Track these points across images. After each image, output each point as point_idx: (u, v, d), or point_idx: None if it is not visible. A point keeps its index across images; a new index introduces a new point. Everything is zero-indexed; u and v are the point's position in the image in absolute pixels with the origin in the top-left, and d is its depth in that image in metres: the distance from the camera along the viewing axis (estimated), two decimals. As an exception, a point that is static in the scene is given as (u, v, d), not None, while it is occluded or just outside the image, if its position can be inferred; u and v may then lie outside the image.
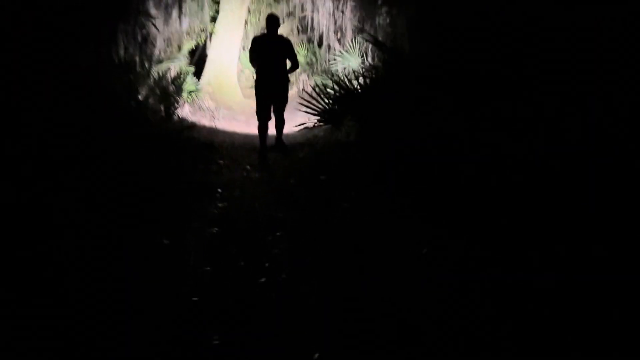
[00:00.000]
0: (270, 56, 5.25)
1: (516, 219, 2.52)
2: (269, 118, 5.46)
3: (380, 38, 7.23)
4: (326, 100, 5.32)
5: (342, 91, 5.38)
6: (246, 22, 12.05)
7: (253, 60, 5.40)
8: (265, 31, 5.49)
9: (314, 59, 11.85)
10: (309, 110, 5.29)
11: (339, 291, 2.30)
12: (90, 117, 4.43)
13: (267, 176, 4.89)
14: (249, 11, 11.34)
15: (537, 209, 2.50)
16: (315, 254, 2.73)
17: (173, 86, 7.58)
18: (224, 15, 10.49)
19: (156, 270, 2.48)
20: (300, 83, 11.91)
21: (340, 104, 5.79)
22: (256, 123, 5.58)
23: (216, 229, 3.16)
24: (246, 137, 7.27)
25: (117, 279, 2.31)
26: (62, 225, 2.67)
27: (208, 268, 2.56)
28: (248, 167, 5.13)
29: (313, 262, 2.63)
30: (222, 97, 10.30)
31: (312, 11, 9.50)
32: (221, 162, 5.18)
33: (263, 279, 2.44)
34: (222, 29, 10.49)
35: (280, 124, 5.57)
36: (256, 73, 5.37)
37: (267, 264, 2.62)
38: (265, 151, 5.48)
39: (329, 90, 5.49)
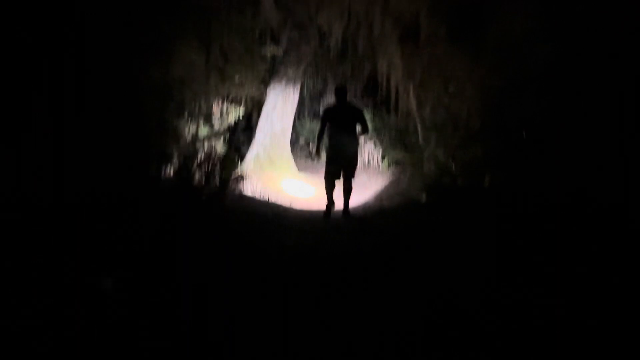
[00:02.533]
0: (342, 124, 5.46)
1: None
2: (338, 178, 5.63)
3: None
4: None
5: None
6: (302, 86, 10.51)
7: (322, 131, 5.59)
8: (335, 102, 5.70)
9: (380, 126, 9.95)
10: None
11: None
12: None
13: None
14: (304, 73, 9.76)
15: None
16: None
17: (208, 166, 5.79)
18: (277, 79, 8.93)
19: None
20: (365, 154, 9.98)
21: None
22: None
23: None
24: (298, 236, 5.17)
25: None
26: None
27: None
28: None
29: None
30: (272, 173, 8.52)
31: (386, 70, 7.67)
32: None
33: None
34: (275, 94, 8.90)
35: (348, 192, 5.64)
36: (328, 139, 5.55)
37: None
38: (332, 206, 5.71)
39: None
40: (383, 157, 9.71)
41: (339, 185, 5.73)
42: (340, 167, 5.48)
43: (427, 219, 5.51)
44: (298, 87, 9.30)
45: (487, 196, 5.41)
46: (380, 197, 7.43)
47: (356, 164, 5.66)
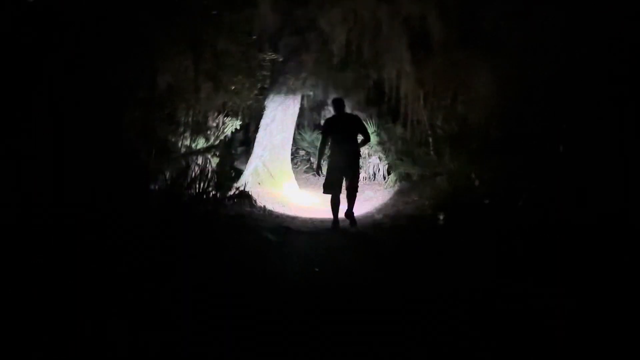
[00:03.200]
0: (343, 134, 5.51)
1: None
2: (340, 191, 5.61)
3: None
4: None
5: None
6: (303, 96, 9.98)
7: (324, 143, 5.61)
8: (334, 113, 5.74)
9: (386, 138, 9.38)
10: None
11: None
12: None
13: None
14: (304, 82, 9.23)
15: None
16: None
17: (202, 182, 5.20)
18: (276, 88, 8.39)
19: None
20: (370, 167, 9.40)
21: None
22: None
23: None
24: (302, 264, 4.53)
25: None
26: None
27: None
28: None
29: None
30: (272, 190, 7.93)
31: (394, 77, 7.12)
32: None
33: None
34: (274, 104, 8.35)
35: (353, 196, 5.64)
36: (330, 149, 5.61)
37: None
38: (338, 223, 5.63)
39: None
40: (389, 171, 9.15)
41: (342, 202, 5.67)
42: (342, 177, 5.54)
43: (444, 241, 4.92)
44: (298, 97, 8.77)
45: (508, 213, 4.87)
46: (389, 215, 6.84)
47: (359, 173, 5.71)
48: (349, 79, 9.02)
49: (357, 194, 5.73)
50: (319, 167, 5.80)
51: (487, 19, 6.35)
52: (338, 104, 5.66)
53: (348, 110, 7.68)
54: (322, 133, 5.70)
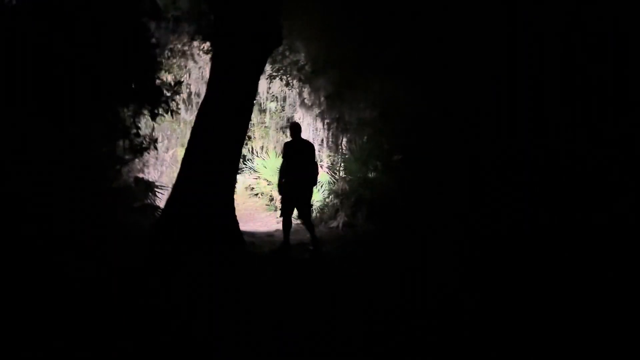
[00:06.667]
0: (298, 160, 5.52)
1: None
2: (292, 215, 5.64)
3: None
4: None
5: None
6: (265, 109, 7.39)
7: (285, 168, 5.57)
8: (291, 137, 5.72)
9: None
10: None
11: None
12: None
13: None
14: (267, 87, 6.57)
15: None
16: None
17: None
18: (214, 94, 5.65)
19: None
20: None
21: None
22: None
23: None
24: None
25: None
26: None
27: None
28: None
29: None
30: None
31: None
32: None
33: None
34: (215, 118, 5.63)
35: (309, 227, 5.63)
36: (285, 176, 5.55)
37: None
38: (287, 247, 5.61)
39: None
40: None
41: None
42: (295, 201, 5.55)
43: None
44: (250, 106, 5.97)
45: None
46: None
47: (309, 201, 5.69)
48: (330, 80, 6.48)
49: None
50: (281, 188, 5.67)
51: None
52: (295, 129, 5.61)
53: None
54: (283, 157, 5.73)
